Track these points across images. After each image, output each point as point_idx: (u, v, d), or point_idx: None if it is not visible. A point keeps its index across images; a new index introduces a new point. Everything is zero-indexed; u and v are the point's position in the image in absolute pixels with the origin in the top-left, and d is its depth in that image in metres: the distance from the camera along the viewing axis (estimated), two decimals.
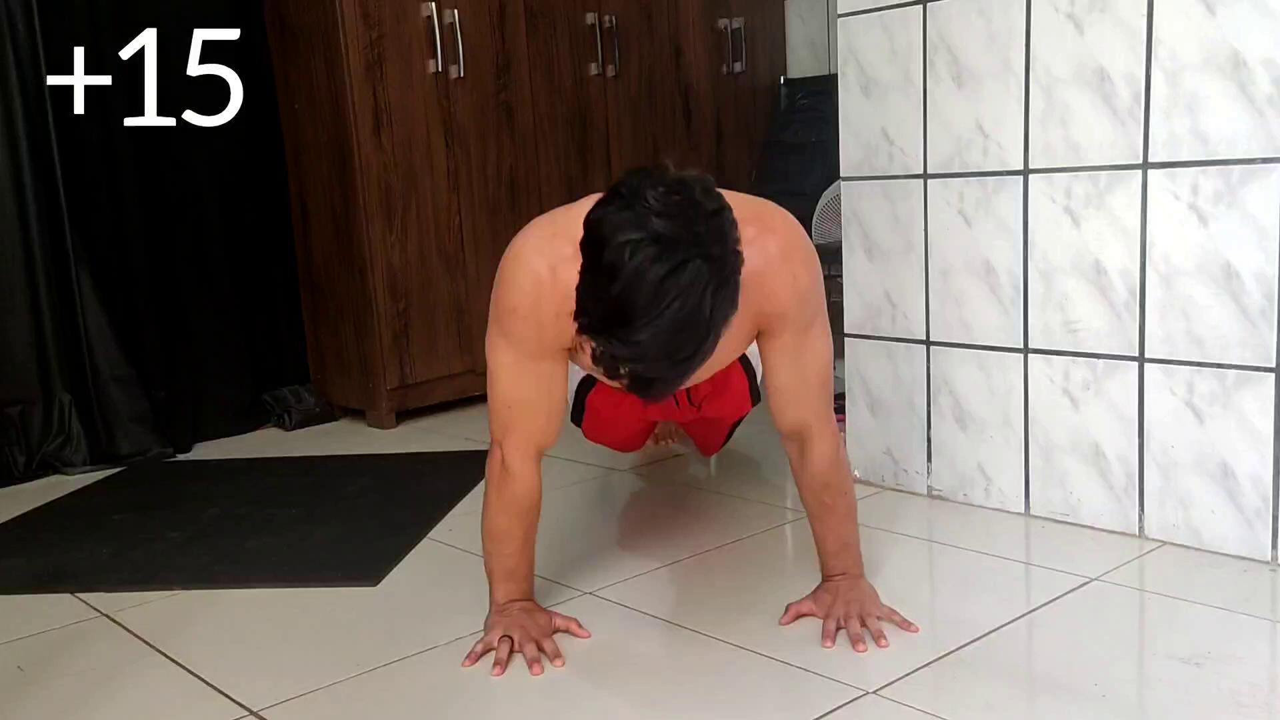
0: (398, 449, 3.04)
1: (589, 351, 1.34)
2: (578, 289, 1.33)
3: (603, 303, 1.29)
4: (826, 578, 1.75)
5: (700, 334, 1.30)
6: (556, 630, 1.72)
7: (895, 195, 2.28)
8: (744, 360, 2.08)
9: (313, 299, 3.46)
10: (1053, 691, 1.48)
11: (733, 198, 1.42)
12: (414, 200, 3.25)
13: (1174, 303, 1.90)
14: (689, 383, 1.36)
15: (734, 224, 1.34)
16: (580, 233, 1.34)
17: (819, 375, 1.67)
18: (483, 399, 3.59)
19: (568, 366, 1.67)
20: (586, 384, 2.13)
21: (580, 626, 1.72)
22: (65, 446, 3.03)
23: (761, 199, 1.64)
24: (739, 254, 1.34)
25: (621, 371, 1.33)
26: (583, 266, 1.33)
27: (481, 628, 1.71)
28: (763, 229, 1.54)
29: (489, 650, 1.66)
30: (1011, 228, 2.10)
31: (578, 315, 1.32)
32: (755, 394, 2.14)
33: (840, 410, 1.74)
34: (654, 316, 1.26)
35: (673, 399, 2.05)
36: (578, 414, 2.18)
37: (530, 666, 1.61)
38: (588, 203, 1.39)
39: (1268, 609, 1.69)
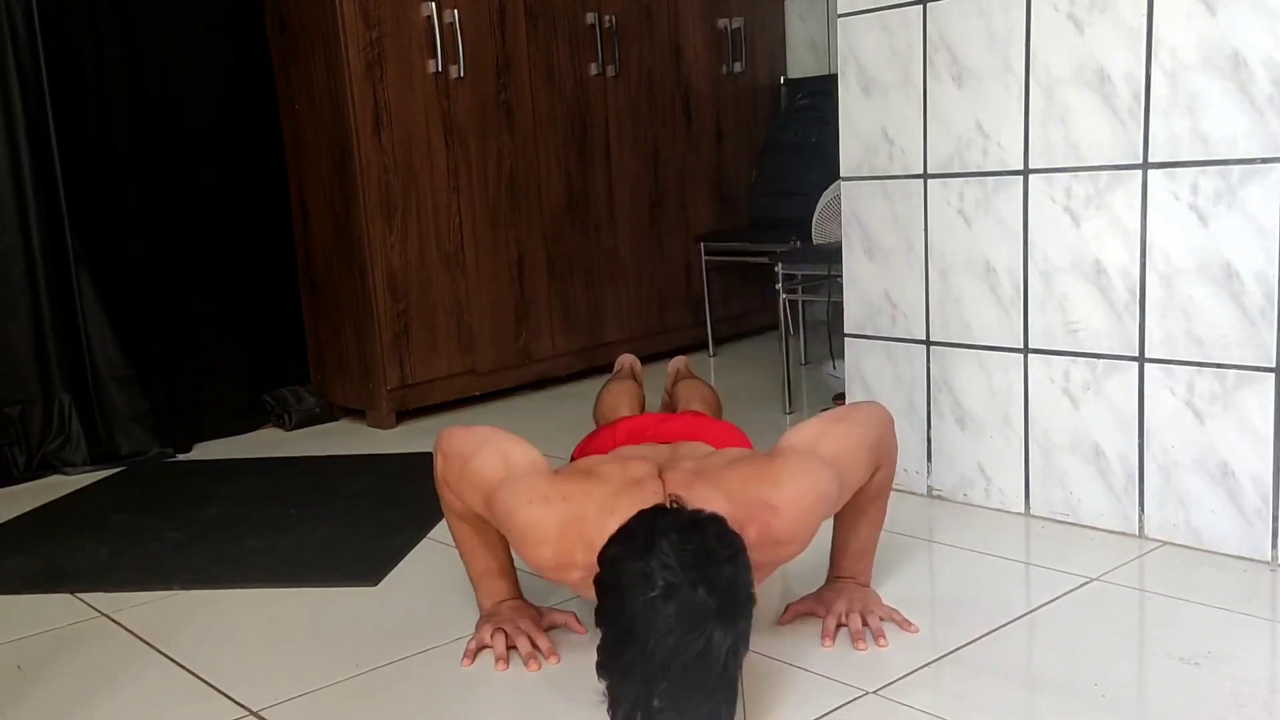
0: (398, 449, 3.04)
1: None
2: (599, 647, 1.31)
3: (623, 666, 1.28)
4: (834, 578, 1.75)
5: (718, 690, 1.28)
6: (552, 626, 1.72)
7: (895, 195, 2.28)
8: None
9: (313, 299, 3.46)
10: (1053, 691, 1.48)
11: (736, 478, 1.46)
12: (414, 200, 3.25)
13: (1174, 303, 1.90)
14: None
15: (748, 568, 1.34)
16: (591, 531, 1.39)
17: (855, 455, 1.60)
18: (482, 399, 3.60)
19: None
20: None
21: (577, 621, 1.72)
22: (65, 446, 3.03)
23: (761, 467, 1.54)
24: (752, 598, 1.33)
25: None
26: (599, 612, 1.32)
27: (475, 630, 1.71)
28: (761, 527, 1.47)
29: (483, 647, 1.66)
30: (1011, 228, 2.10)
31: (600, 673, 1.31)
32: None
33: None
34: (672, 682, 1.24)
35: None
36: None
37: (526, 663, 1.62)
38: (603, 497, 1.44)
39: (1268, 609, 1.69)
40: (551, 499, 1.48)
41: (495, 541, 1.72)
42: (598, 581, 1.33)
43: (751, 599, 1.33)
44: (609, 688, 1.30)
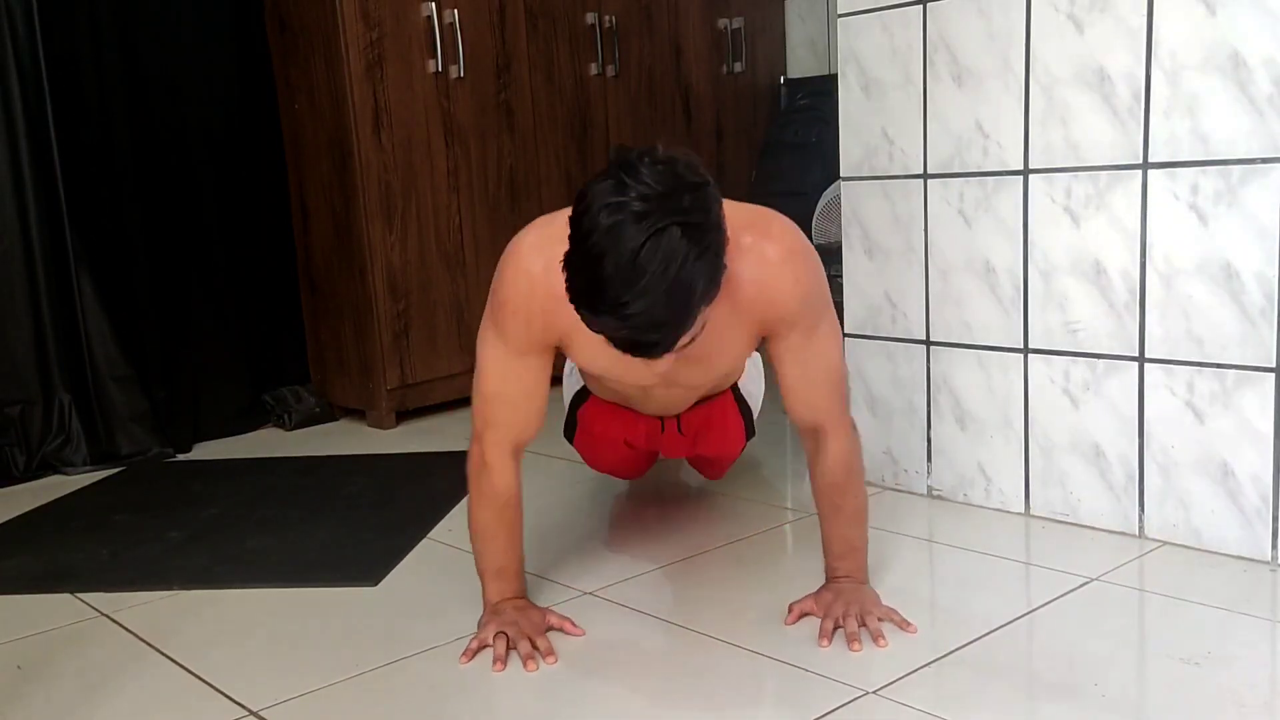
0: (398, 449, 3.04)
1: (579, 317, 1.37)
2: (565, 254, 1.35)
3: (581, 269, 1.32)
4: (830, 579, 1.75)
5: (678, 301, 1.31)
6: (551, 628, 1.72)
7: (895, 195, 2.28)
8: (739, 398, 2.08)
9: (313, 299, 3.46)
10: (1053, 691, 1.48)
11: (730, 206, 1.44)
12: (414, 200, 3.25)
13: (1174, 303, 1.90)
14: (677, 346, 1.38)
15: (718, 200, 1.36)
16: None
17: (828, 375, 1.67)
18: (471, 398, 3.59)
19: (552, 366, 1.69)
20: (579, 398, 2.13)
21: (574, 625, 1.72)
22: (65, 446, 3.03)
23: (760, 207, 1.64)
24: (722, 229, 1.36)
25: (604, 328, 1.35)
26: (569, 235, 1.35)
27: (477, 629, 1.71)
28: (759, 235, 1.55)
29: (484, 647, 1.66)
30: (1011, 228, 2.10)
31: (564, 264, 1.35)
32: (750, 430, 2.15)
33: None
34: (630, 281, 1.28)
35: (659, 423, 2.04)
36: (569, 429, 2.18)
37: (525, 664, 1.62)
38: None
39: (1268, 609, 1.69)
40: (518, 239, 1.61)
41: (516, 540, 1.73)
42: (571, 216, 1.35)
43: (721, 230, 1.35)
44: (565, 280, 1.34)
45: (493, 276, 1.64)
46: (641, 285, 1.28)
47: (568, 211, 1.40)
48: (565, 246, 1.36)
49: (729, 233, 1.38)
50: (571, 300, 1.35)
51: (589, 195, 1.33)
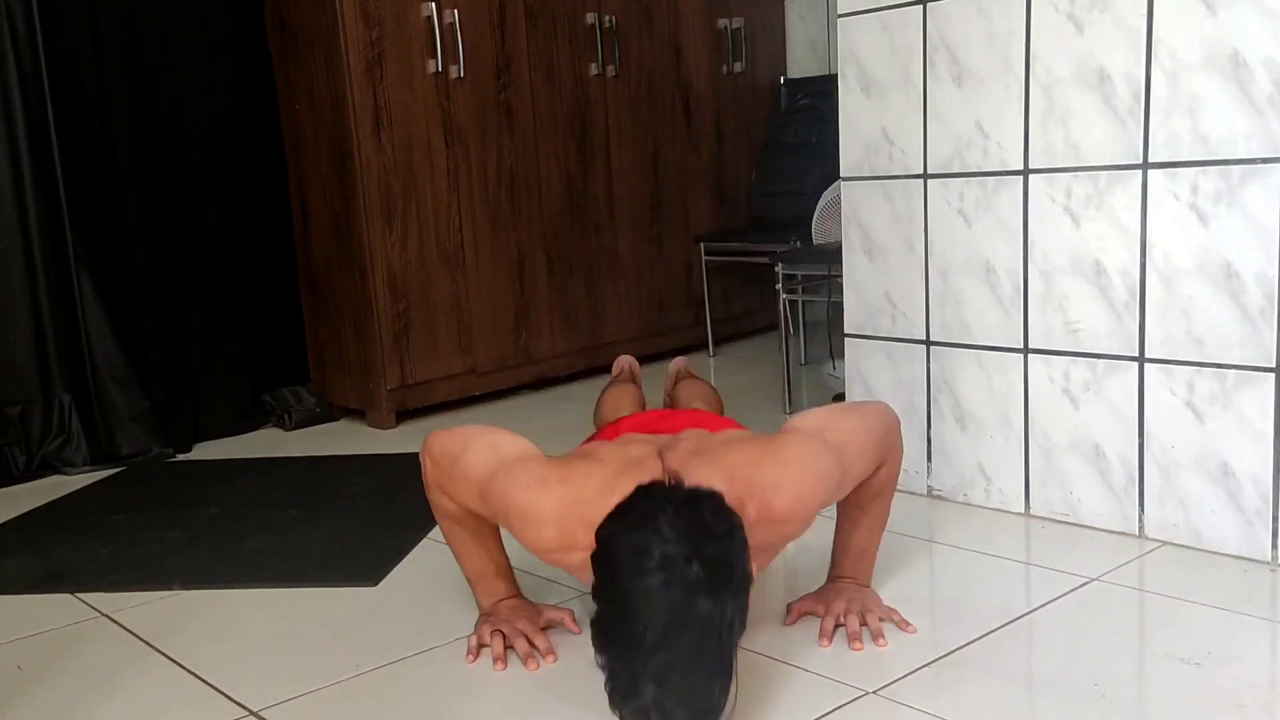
0: (398, 449, 3.04)
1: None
2: (593, 622, 1.31)
3: (617, 641, 1.27)
4: (834, 578, 1.75)
5: (712, 666, 1.27)
6: (549, 624, 1.72)
7: (895, 195, 2.28)
8: None
9: (313, 299, 3.46)
10: (1053, 691, 1.48)
11: (737, 456, 1.45)
12: (414, 200, 3.25)
13: (1174, 303, 1.90)
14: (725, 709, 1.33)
15: (744, 544, 1.33)
16: (591, 511, 1.36)
17: (863, 451, 1.60)
18: (483, 399, 3.60)
19: None
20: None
21: (573, 620, 1.72)
22: (65, 446, 3.03)
23: (764, 448, 1.53)
24: (748, 576, 1.33)
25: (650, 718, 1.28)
26: (595, 589, 1.32)
27: (474, 629, 1.72)
28: (761, 506, 1.45)
29: (483, 646, 1.66)
30: (1011, 228, 2.10)
31: (596, 649, 1.30)
32: None
33: None
34: (665, 657, 1.24)
35: None
36: None
37: (525, 663, 1.62)
38: (602, 477, 1.44)
39: (1268, 609, 1.69)
40: (549, 481, 1.48)
41: (490, 541, 1.72)
42: (594, 558, 1.32)
43: (747, 576, 1.33)
44: (605, 664, 1.29)
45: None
46: (686, 670, 1.24)
47: (586, 473, 1.44)
48: (584, 531, 1.35)
49: (736, 502, 1.36)
50: (610, 684, 1.28)
51: (615, 549, 1.29)
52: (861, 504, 1.69)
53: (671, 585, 1.24)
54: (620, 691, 1.27)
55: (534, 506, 1.46)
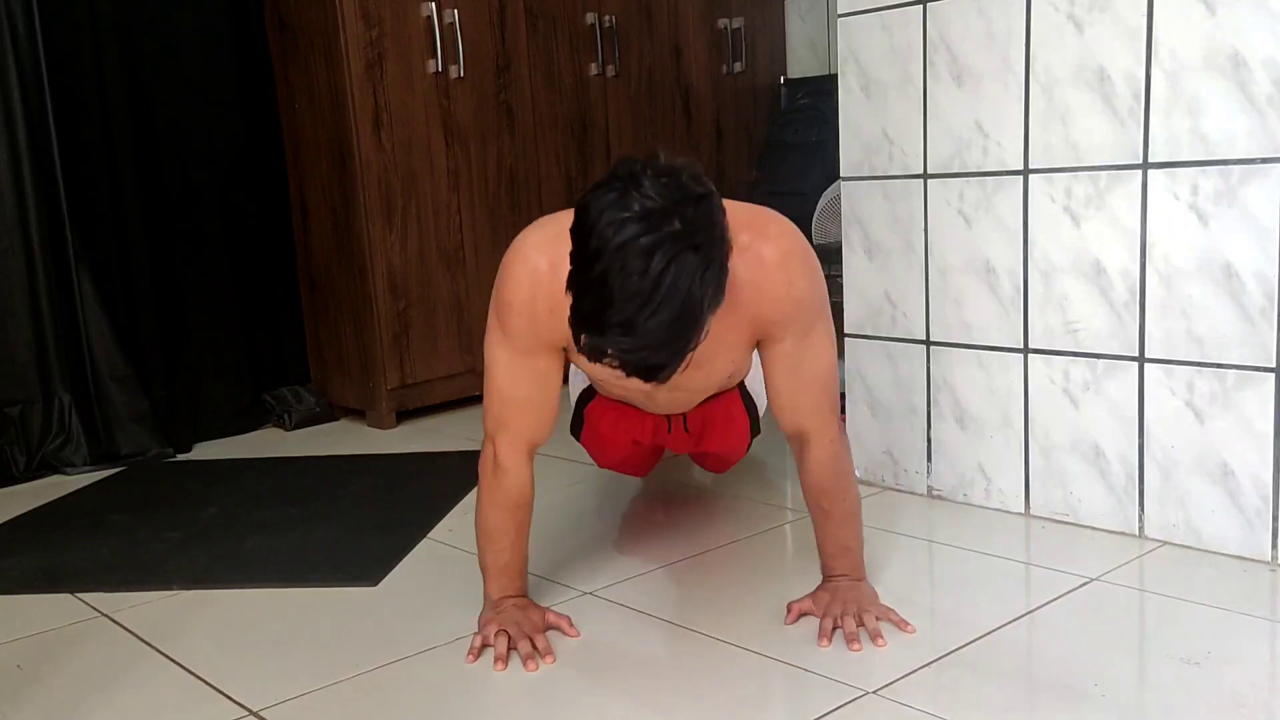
0: (398, 449, 3.04)
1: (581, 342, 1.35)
2: (569, 275, 1.33)
3: (588, 289, 1.30)
4: (827, 578, 1.75)
5: (688, 320, 1.30)
6: (549, 627, 1.72)
7: (895, 195, 2.28)
8: (745, 395, 2.08)
9: (313, 298, 3.46)
10: (1053, 691, 1.48)
11: (729, 205, 1.43)
12: (414, 200, 3.25)
13: (1174, 303, 1.90)
14: (681, 368, 1.36)
15: (722, 210, 1.35)
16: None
17: (818, 380, 1.66)
18: (482, 399, 3.59)
19: (562, 366, 1.68)
20: (586, 395, 2.13)
21: (571, 625, 1.72)
22: (65, 446, 3.03)
23: (759, 206, 1.64)
24: (726, 240, 1.35)
25: (609, 353, 1.33)
26: (572, 251, 1.33)
27: (478, 626, 1.72)
28: (757, 235, 1.54)
29: (487, 645, 1.67)
30: (1011, 228, 2.10)
31: (568, 285, 1.33)
32: (755, 428, 2.15)
33: (841, 410, 1.74)
34: (639, 303, 1.27)
35: (665, 421, 2.05)
36: (576, 426, 2.18)
37: (525, 663, 1.62)
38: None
39: (1268, 609, 1.69)
40: (524, 233, 1.61)
41: (521, 539, 1.73)
42: (573, 230, 1.33)
43: (725, 241, 1.34)
44: (573, 299, 1.31)
45: (495, 277, 1.63)
46: (653, 306, 1.26)
47: (570, 213, 1.40)
48: (569, 247, 1.35)
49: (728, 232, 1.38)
50: (574, 324, 1.33)
51: (591, 210, 1.31)
52: (822, 506, 1.71)
53: (649, 234, 1.26)
54: (582, 320, 1.30)
55: (515, 250, 1.57)
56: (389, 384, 3.25)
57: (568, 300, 1.35)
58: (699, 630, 1.72)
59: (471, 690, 1.59)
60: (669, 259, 1.26)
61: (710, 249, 1.31)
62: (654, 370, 1.34)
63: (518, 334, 1.60)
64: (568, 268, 1.37)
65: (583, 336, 1.33)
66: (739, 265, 1.46)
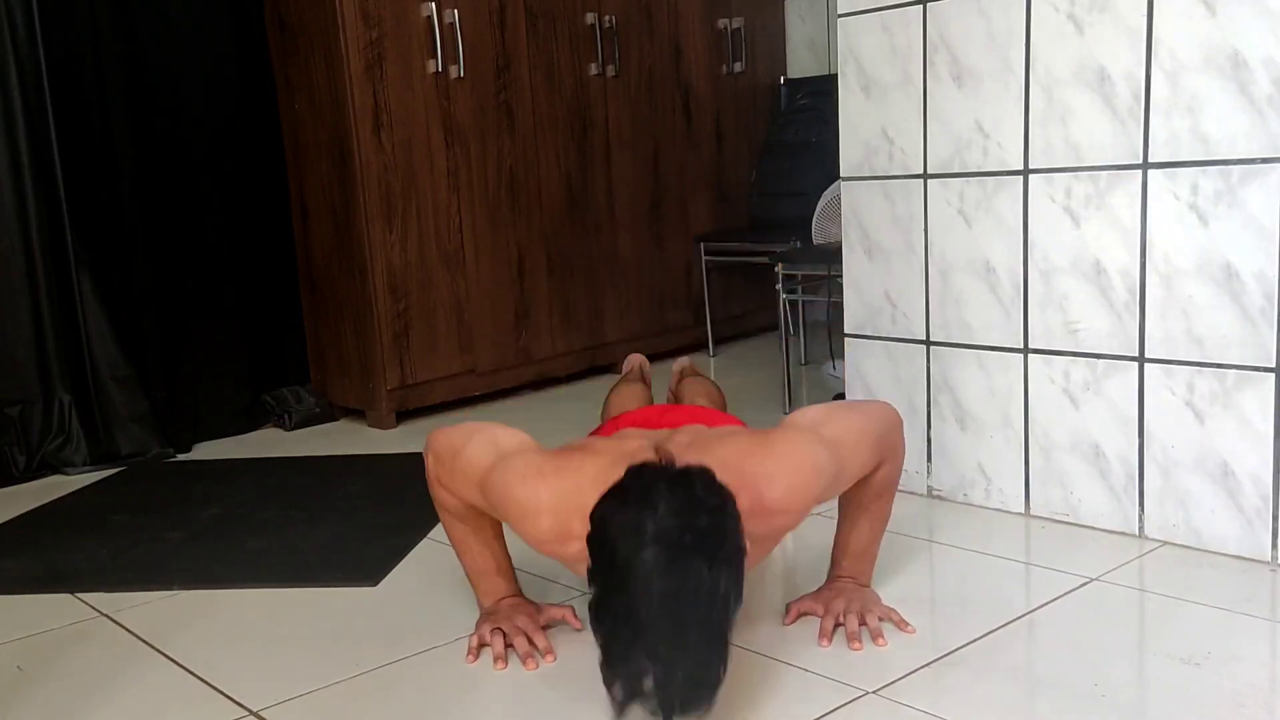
0: (398, 449, 3.04)
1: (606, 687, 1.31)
2: (590, 603, 1.31)
3: (613, 617, 1.28)
4: (834, 578, 1.75)
5: (708, 640, 1.28)
6: (550, 622, 1.72)
7: (895, 195, 2.28)
8: None
9: (313, 299, 3.46)
10: (1053, 691, 1.48)
11: (730, 448, 1.46)
12: (414, 200, 3.25)
13: (1174, 303, 1.90)
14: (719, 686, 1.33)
15: (736, 518, 1.33)
16: (587, 501, 1.35)
17: (859, 447, 1.60)
18: (482, 399, 3.60)
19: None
20: None
21: (574, 615, 1.72)
22: (65, 446, 3.03)
23: (757, 442, 1.55)
24: (742, 549, 1.33)
25: (645, 690, 1.27)
26: (591, 570, 1.32)
27: (475, 628, 1.72)
28: (754, 497, 1.45)
29: (484, 645, 1.67)
30: (1011, 228, 2.10)
31: (593, 625, 1.31)
32: None
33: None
34: (661, 630, 1.24)
35: None
36: None
37: (524, 662, 1.62)
38: (597, 468, 1.44)
39: (1268, 609, 1.69)
40: (545, 472, 1.49)
41: (492, 539, 1.72)
42: (590, 539, 1.33)
43: (742, 549, 1.33)
44: (600, 637, 1.29)
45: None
46: (682, 640, 1.24)
47: (579, 466, 1.45)
48: (580, 522, 1.34)
49: (733, 493, 1.36)
50: (604, 651, 1.29)
51: (609, 526, 1.29)
52: (862, 503, 1.70)
53: (666, 558, 1.25)
54: (614, 662, 1.27)
55: (530, 497, 1.48)
56: (389, 384, 3.25)
57: (569, 556, 1.41)
58: None
59: (471, 690, 1.59)
60: (688, 592, 1.24)
61: (728, 565, 1.29)
62: (692, 702, 1.29)
63: (514, 529, 1.56)
64: (578, 546, 1.36)
65: (616, 683, 1.28)
66: (751, 526, 1.40)
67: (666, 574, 1.24)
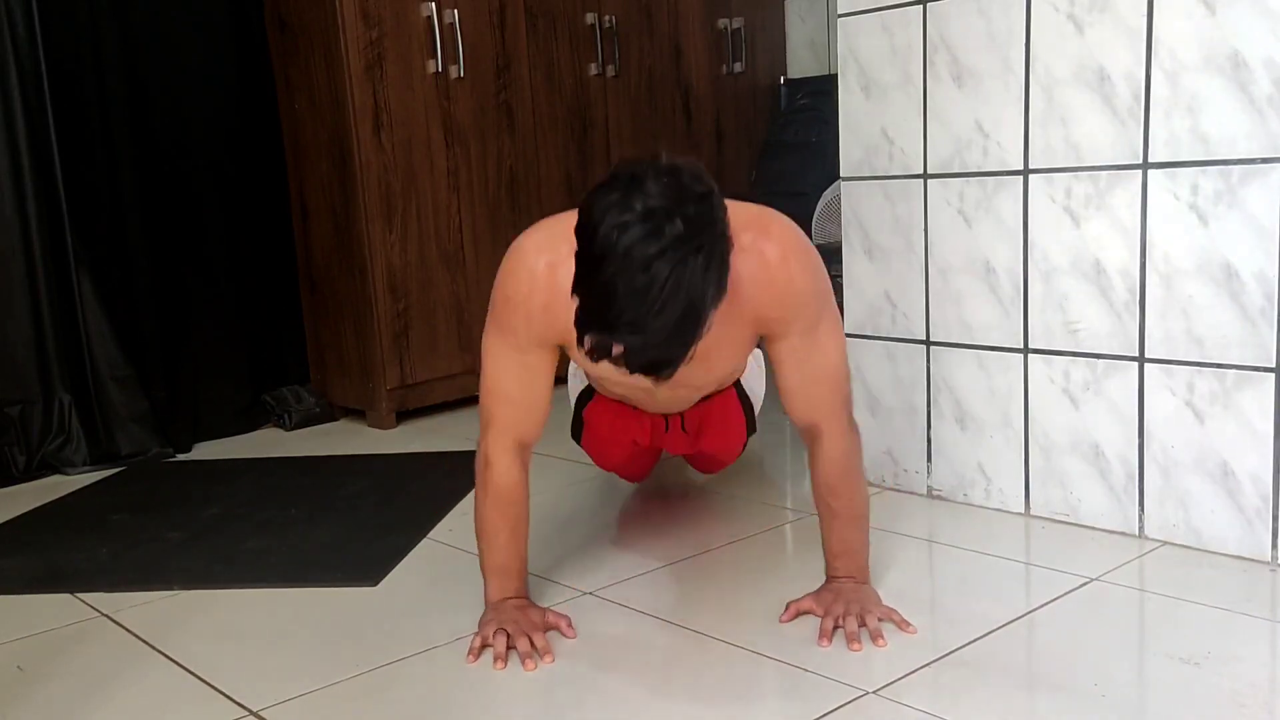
0: (398, 449, 3.04)
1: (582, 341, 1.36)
2: (575, 276, 1.35)
3: (594, 291, 1.31)
4: (830, 578, 1.75)
5: (691, 318, 1.32)
6: (549, 627, 1.72)
7: (895, 195, 2.28)
8: (741, 394, 2.08)
9: (313, 299, 3.46)
10: (1053, 691, 1.48)
11: (731, 205, 1.44)
12: (414, 200, 3.25)
13: (1174, 303, 1.90)
14: (684, 362, 1.38)
15: (723, 207, 1.37)
16: (570, 228, 1.38)
17: (827, 375, 1.67)
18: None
19: (554, 364, 1.69)
20: (584, 397, 2.13)
21: (569, 626, 1.72)
22: (65, 446, 3.03)
23: (761, 206, 1.65)
24: (727, 237, 1.36)
25: (614, 352, 1.34)
26: (576, 252, 1.35)
27: (478, 627, 1.71)
28: (759, 233, 1.56)
29: (486, 645, 1.67)
30: (1011, 228, 2.10)
31: (574, 291, 1.34)
32: (751, 427, 2.15)
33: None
34: (643, 304, 1.28)
35: (663, 421, 2.05)
36: (576, 429, 2.18)
37: (524, 662, 1.62)
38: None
39: (1268, 609, 1.69)
40: (526, 237, 1.63)
41: (521, 538, 1.74)
42: (578, 229, 1.34)
43: (726, 239, 1.35)
44: (577, 304, 1.33)
45: (495, 276, 1.65)
46: (657, 306, 1.28)
47: (572, 215, 1.40)
48: (569, 245, 1.36)
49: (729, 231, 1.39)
50: (580, 324, 1.34)
51: (594, 211, 1.32)
52: (828, 503, 1.71)
53: (652, 234, 1.27)
54: (588, 325, 1.32)
55: (515, 249, 1.59)
56: (389, 384, 3.25)
57: (568, 300, 1.37)
58: (698, 630, 1.72)
59: (472, 690, 1.59)
60: (672, 262, 1.28)
61: (712, 247, 1.32)
62: (658, 367, 1.36)
63: (513, 330, 1.61)
64: (566, 268, 1.38)
65: (588, 336, 1.34)
66: (741, 264, 1.47)
67: (652, 250, 1.27)
